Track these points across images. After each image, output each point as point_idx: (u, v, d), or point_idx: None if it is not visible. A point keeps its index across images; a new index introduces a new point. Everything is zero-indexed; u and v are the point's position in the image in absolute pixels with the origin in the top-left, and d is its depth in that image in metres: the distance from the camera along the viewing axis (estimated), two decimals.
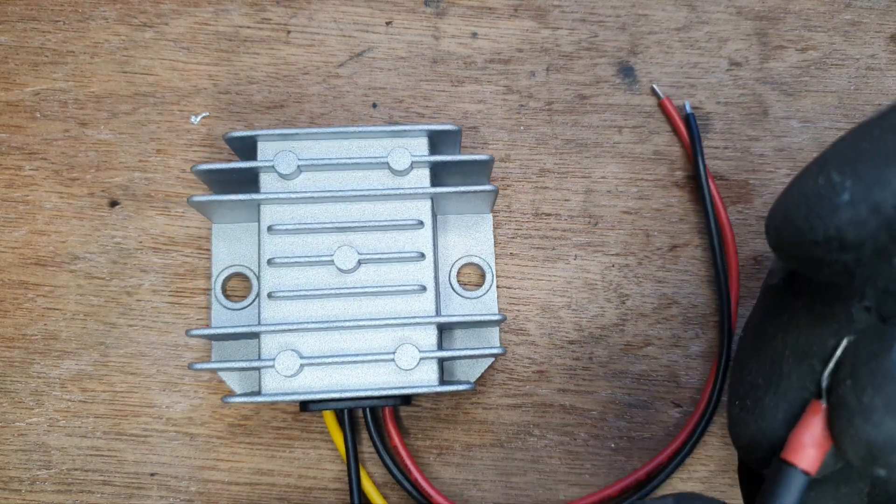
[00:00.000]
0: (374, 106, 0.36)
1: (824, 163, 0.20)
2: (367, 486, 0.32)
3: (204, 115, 0.35)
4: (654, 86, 0.36)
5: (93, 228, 0.34)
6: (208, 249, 0.34)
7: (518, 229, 0.35)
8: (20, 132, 0.35)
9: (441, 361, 0.30)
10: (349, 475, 0.31)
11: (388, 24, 0.37)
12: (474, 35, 0.37)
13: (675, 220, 0.35)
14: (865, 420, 0.18)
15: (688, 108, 0.35)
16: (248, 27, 0.36)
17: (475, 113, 0.36)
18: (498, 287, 0.34)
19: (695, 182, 0.35)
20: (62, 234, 0.34)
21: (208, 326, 0.33)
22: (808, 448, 0.20)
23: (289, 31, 0.36)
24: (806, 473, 0.20)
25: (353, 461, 0.31)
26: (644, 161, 0.35)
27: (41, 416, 0.33)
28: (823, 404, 0.20)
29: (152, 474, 0.32)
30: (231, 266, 0.33)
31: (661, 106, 0.36)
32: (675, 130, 0.35)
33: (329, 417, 0.32)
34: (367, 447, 0.33)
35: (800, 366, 0.21)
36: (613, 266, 0.34)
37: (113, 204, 0.35)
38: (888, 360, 0.19)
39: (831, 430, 0.20)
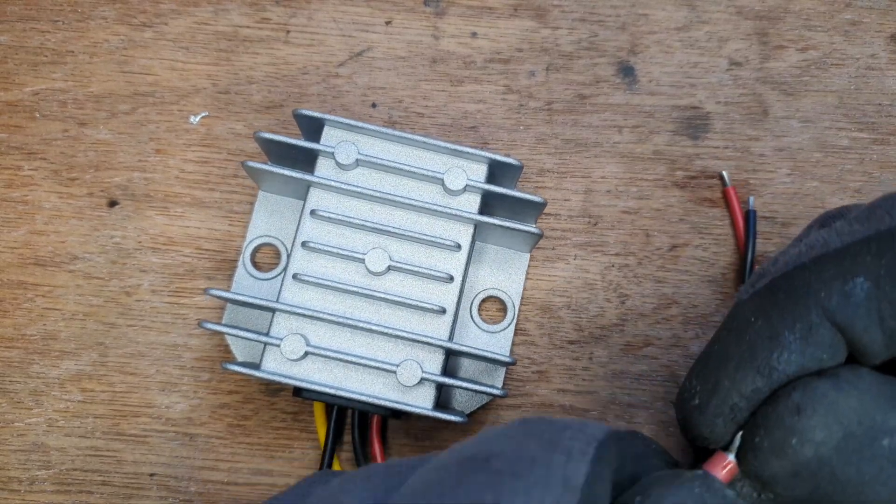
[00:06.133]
0: (374, 106, 0.36)
1: (692, 368, 0.24)
2: None
3: (203, 114, 0.35)
4: (724, 173, 0.34)
5: (92, 228, 0.34)
6: (207, 249, 0.34)
7: None
8: (19, 132, 0.35)
9: (440, 387, 0.30)
10: (321, 467, 0.31)
11: (387, 23, 0.37)
12: (474, 35, 0.36)
13: (675, 220, 0.35)
14: (756, 460, 0.21)
15: (751, 205, 0.34)
16: (248, 27, 0.36)
17: (475, 112, 0.36)
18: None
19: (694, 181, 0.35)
20: (61, 234, 0.34)
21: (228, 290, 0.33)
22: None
23: (288, 31, 0.36)
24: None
25: (329, 456, 0.31)
26: (644, 161, 0.35)
27: (40, 417, 0.33)
28: (730, 456, 0.22)
29: (151, 475, 0.32)
30: (266, 236, 0.34)
31: (725, 193, 0.35)
32: (731, 220, 0.35)
33: (318, 408, 0.32)
34: (347, 448, 0.33)
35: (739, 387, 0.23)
36: (613, 266, 0.34)
37: (112, 204, 0.34)
38: (781, 406, 0.21)
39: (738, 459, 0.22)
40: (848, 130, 0.36)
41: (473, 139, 0.35)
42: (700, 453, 0.24)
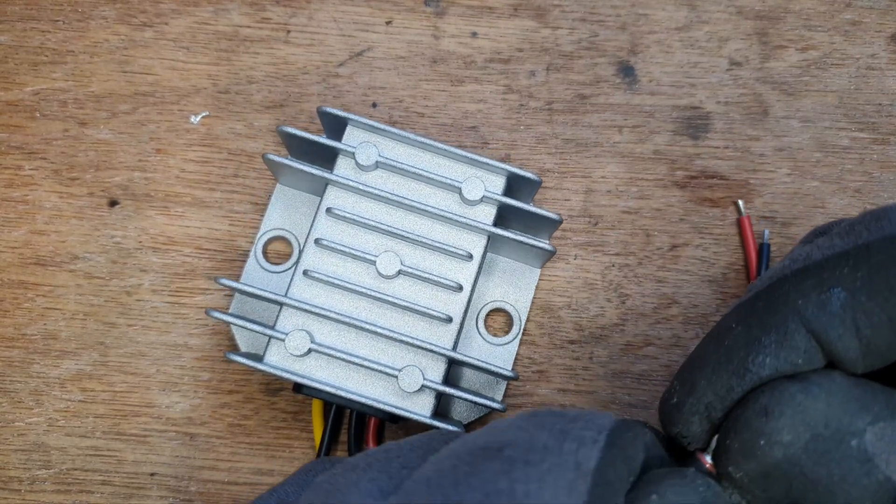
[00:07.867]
0: (374, 105, 0.36)
1: (676, 372, 0.24)
2: None
3: (203, 114, 0.35)
4: (740, 202, 0.34)
5: (92, 228, 0.34)
6: (208, 249, 0.34)
7: None
8: (20, 132, 0.35)
9: (440, 395, 0.30)
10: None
11: (387, 23, 0.37)
12: (474, 34, 0.37)
13: (675, 219, 0.35)
14: (728, 461, 0.22)
15: (766, 238, 0.34)
16: (248, 27, 0.36)
17: (475, 112, 0.36)
18: None
19: (695, 181, 0.35)
20: (62, 234, 0.34)
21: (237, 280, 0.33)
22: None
23: (288, 31, 0.36)
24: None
25: (324, 454, 0.31)
26: (644, 161, 0.35)
27: (41, 416, 0.33)
28: (707, 458, 0.23)
29: (152, 474, 0.32)
30: (280, 228, 0.34)
31: (739, 223, 0.34)
32: (743, 249, 0.34)
33: (317, 406, 0.32)
34: (343, 448, 0.33)
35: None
36: (613, 266, 0.34)
37: (112, 203, 0.34)
38: (750, 408, 0.21)
39: (714, 461, 0.23)
40: (848, 130, 0.36)
41: (474, 139, 0.35)
42: (680, 455, 0.24)
